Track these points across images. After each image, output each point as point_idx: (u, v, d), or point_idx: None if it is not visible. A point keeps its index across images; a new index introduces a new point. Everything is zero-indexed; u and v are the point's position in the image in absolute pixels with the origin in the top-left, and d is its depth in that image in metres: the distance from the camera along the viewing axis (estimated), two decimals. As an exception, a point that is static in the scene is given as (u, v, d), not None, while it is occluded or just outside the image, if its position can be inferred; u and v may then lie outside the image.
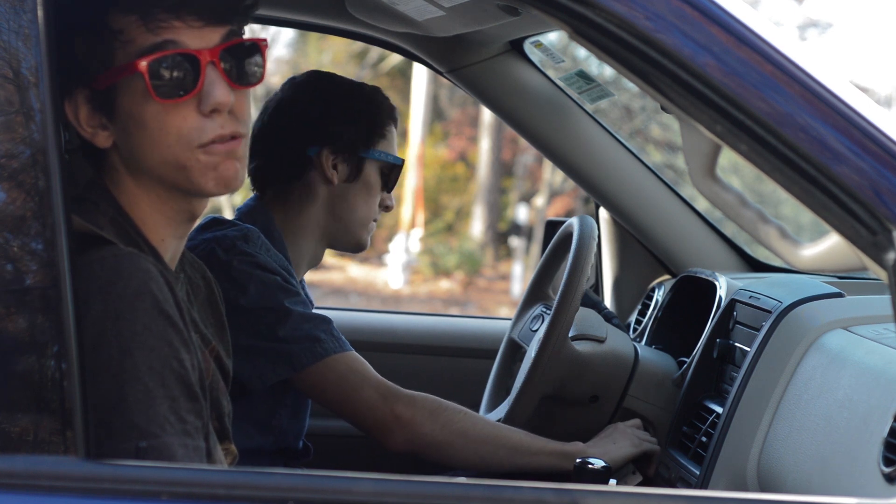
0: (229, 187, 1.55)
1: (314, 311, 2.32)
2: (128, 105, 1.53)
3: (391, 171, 2.42)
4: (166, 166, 1.54)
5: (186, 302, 1.64)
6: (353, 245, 2.45)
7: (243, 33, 1.59)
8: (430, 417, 2.24)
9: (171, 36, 1.51)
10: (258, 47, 1.58)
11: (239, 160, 1.56)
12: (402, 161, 2.43)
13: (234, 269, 2.20)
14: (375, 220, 2.45)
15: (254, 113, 1.74)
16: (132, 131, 1.54)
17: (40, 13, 1.36)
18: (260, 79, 1.58)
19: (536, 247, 14.85)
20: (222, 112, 1.53)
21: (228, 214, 4.35)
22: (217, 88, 1.52)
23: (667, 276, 3.02)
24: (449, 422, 2.25)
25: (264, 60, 1.59)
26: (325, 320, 2.26)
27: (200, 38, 1.53)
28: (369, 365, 2.27)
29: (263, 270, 2.24)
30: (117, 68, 1.52)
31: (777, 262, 2.97)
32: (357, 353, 2.27)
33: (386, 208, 2.46)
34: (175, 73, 1.51)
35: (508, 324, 2.75)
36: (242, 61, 1.56)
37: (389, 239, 16.72)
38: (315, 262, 2.48)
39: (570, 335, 2.40)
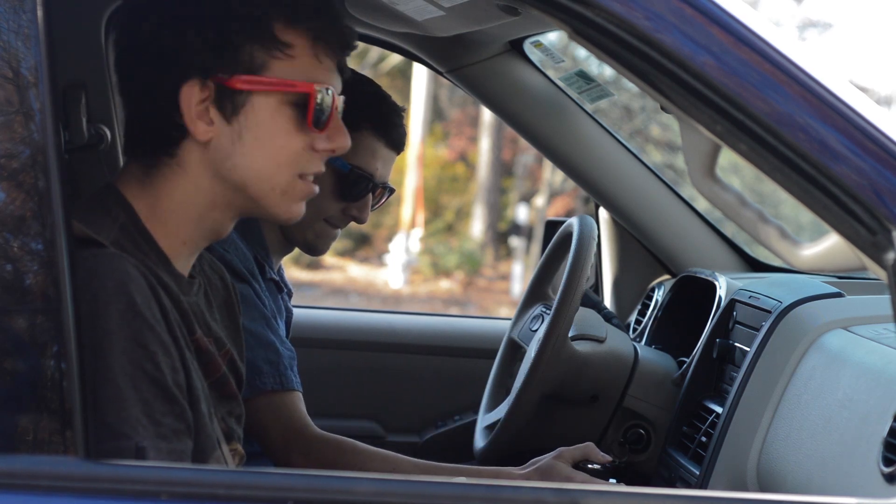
0: (290, 220, 1.63)
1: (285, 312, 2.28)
2: (262, 114, 1.55)
3: (345, 179, 2.35)
4: (260, 180, 1.57)
5: (199, 306, 1.64)
6: (300, 244, 2.40)
7: None
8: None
9: (322, 74, 1.58)
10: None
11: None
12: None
13: None
14: (330, 223, 2.37)
15: None
16: (250, 138, 1.56)
17: (40, 13, 1.36)
18: None
19: (536, 247, 14.85)
20: (328, 152, 1.61)
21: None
22: (341, 131, 1.61)
23: (667, 276, 3.03)
24: None
25: None
26: (273, 350, 2.20)
27: (336, 82, 1.61)
28: (294, 405, 2.20)
29: (230, 275, 2.21)
30: (280, 81, 1.55)
31: (777, 262, 2.97)
32: (297, 393, 2.20)
33: (352, 215, 2.38)
34: (323, 107, 1.57)
35: (508, 324, 2.74)
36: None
37: (389, 239, 16.73)
38: (284, 250, 2.42)
39: (569, 335, 2.40)
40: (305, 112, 1.56)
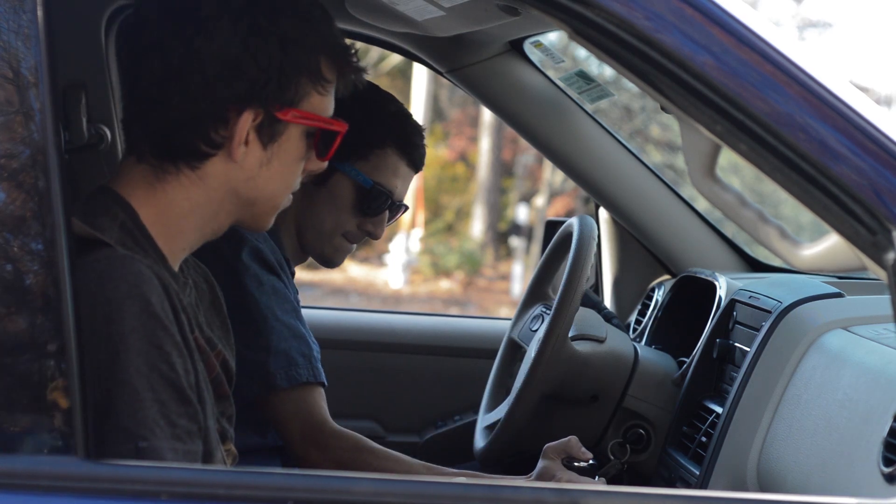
0: (263, 230, 1.69)
1: (303, 308, 2.29)
2: (292, 143, 1.61)
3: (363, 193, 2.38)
4: (271, 198, 1.63)
5: (193, 306, 1.64)
6: (317, 256, 2.42)
7: None
8: (337, 468, 2.17)
9: (332, 105, 1.67)
10: None
11: None
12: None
13: (234, 258, 2.19)
14: (347, 237, 2.40)
15: None
16: (277, 163, 1.60)
17: (40, 13, 1.36)
18: None
19: (536, 247, 14.84)
20: (307, 173, 1.70)
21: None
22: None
23: (667, 276, 3.03)
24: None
25: None
26: (305, 343, 2.23)
27: None
28: (319, 399, 2.22)
29: (261, 265, 2.23)
30: (321, 118, 1.61)
31: (777, 262, 2.97)
32: (320, 388, 2.23)
33: (367, 230, 2.41)
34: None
35: (508, 324, 2.74)
36: None
37: (389, 239, 16.73)
38: (297, 260, 2.44)
39: (569, 335, 2.40)
40: (321, 141, 1.63)
